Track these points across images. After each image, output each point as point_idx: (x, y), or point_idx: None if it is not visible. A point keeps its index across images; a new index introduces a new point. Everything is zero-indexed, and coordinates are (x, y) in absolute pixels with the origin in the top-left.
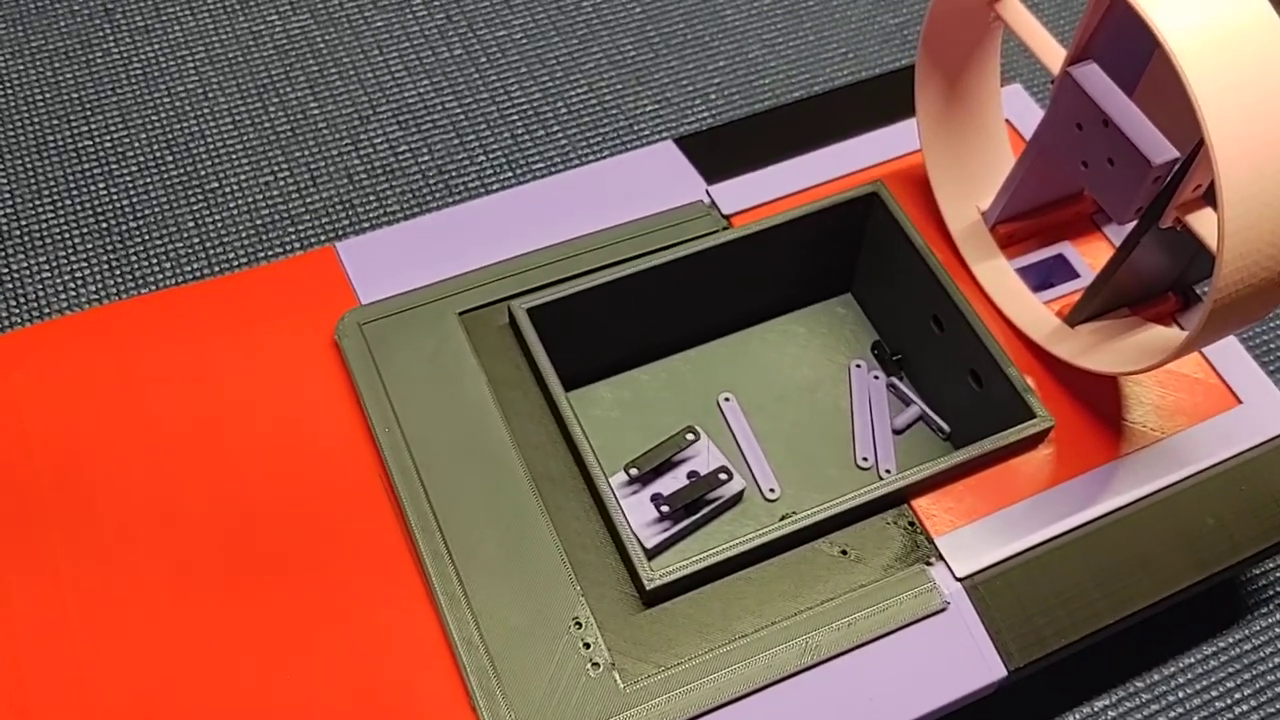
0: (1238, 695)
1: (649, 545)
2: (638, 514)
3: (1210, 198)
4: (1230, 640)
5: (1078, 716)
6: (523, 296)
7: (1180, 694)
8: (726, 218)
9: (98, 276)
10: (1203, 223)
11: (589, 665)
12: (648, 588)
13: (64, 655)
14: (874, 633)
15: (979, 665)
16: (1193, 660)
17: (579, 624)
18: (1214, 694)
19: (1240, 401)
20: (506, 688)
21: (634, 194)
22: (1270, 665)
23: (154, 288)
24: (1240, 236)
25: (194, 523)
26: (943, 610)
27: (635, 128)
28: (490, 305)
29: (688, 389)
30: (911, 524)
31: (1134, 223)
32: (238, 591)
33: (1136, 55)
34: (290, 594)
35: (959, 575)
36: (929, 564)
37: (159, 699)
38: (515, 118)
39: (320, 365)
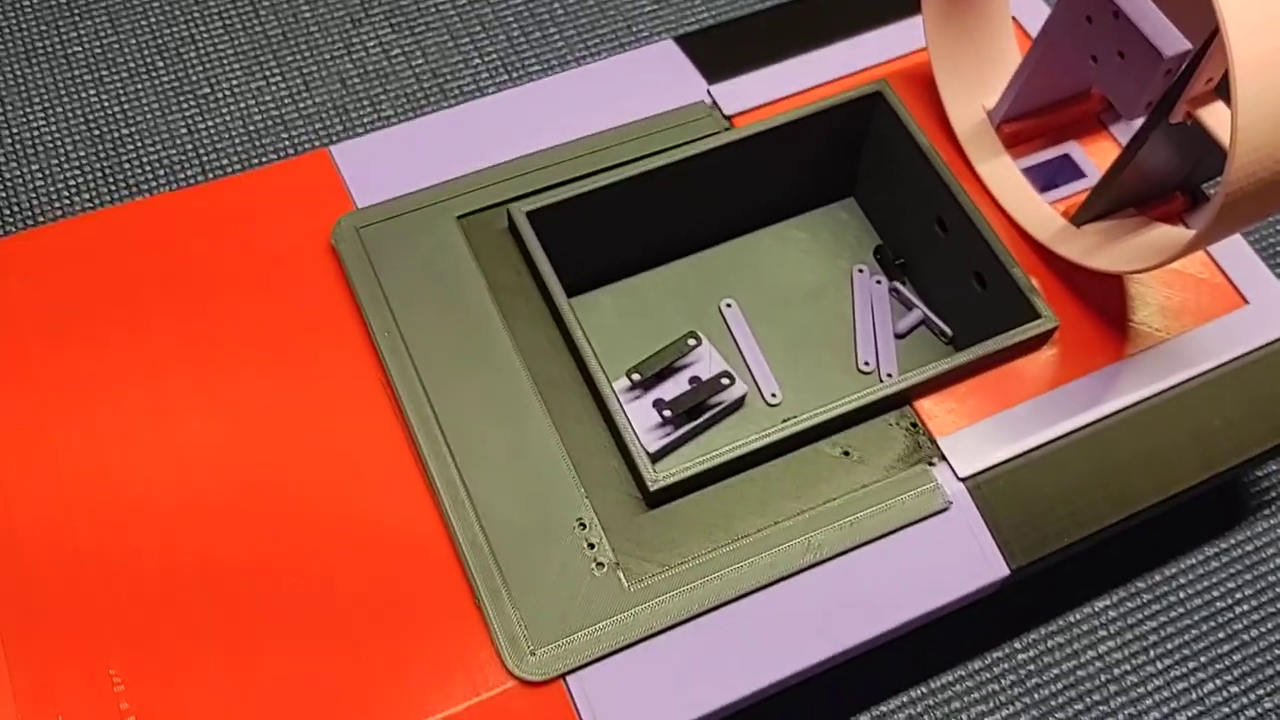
0: (1238, 595)
1: (651, 450)
2: (640, 419)
3: (1223, 91)
4: (1232, 541)
5: (1078, 615)
6: (522, 200)
7: (1181, 594)
8: (728, 118)
9: (91, 184)
10: (1215, 116)
11: (593, 565)
12: (651, 489)
13: (66, 553)
14: (876, 532)
15: (981, 564)
16: (1194, 561)
17: (583, 525)
18: (1215, 594)
19: (1246, 302)
20: (511, 588)
21: (634, 95)
22: (1271, 566)
23: (148, 195)
24: (1254, 129)
25: (192, 430)
26: (945, 510)
27: (634, 28)
28: (489, 209)
29: (689, 295)
30: (914, 425)
31: (1143, 118)
32: (240, 501)
33: None
34: (292, 501)
35: (961, 475)
36: (931, 464)
37: (169, 603)
38: (510, 19)
39: (317, 270)
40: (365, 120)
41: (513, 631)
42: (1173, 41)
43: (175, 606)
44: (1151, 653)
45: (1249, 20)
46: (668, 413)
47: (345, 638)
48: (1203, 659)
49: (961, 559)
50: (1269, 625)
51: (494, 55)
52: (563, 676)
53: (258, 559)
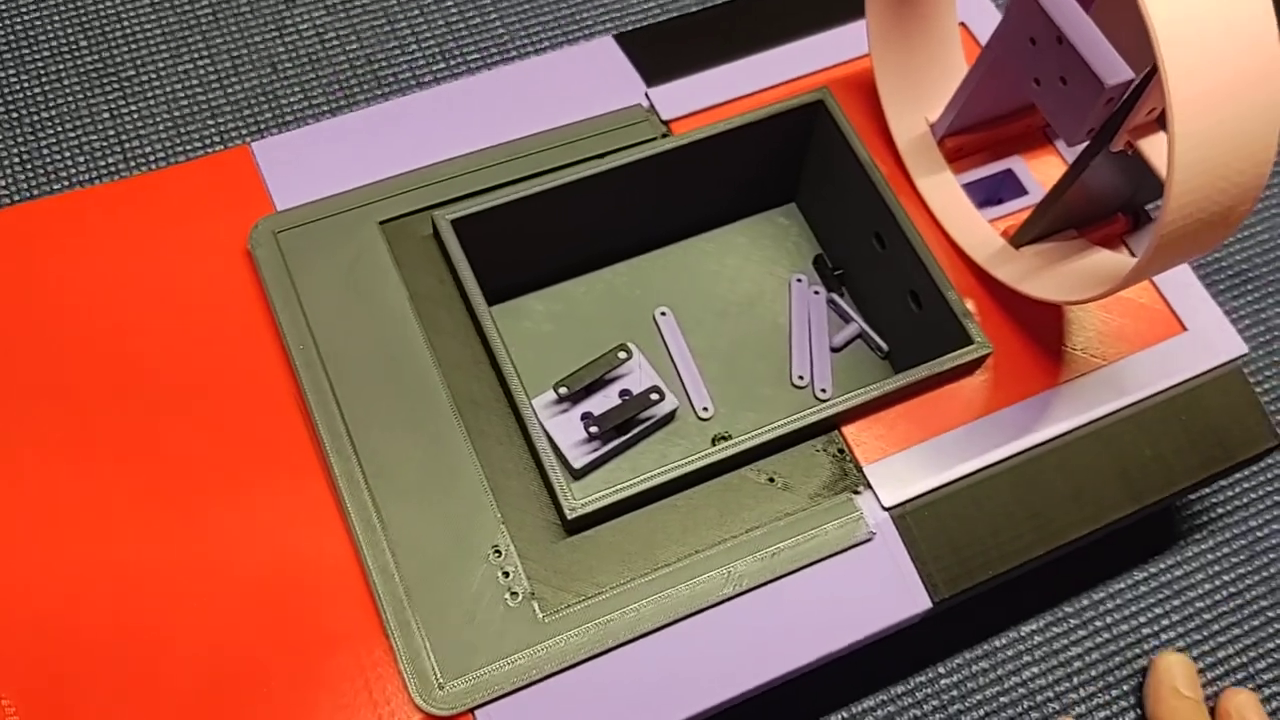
0: (1164, 622)
1: (577, 466)
2: (567, 433)
3: (1165, 122)
4: (1160, 566)
5: (1004, 640)
6: (447, 206)
7: (1108, 619)
8: (666, 124)
9: (7, 170)
10: (1155, 148)
11: (507, 594)
12: (569, 516)
13: None
14: (798, 562)
15: (903, 597)
16: (1122, 586)
17: (498, 552)
18: (1141, 620)
19: (1185, 329)
20: (422, 618)
21: (570, 95)
22: (1200, 592)
23: (67, 183)
24: (1191, 169)
25: (98, 442)
26: (868, 540)
27: (578, 17)
28: (413, 214)
29: (623, 302)
30: (841, 451)
31: (1085, 144)
32: (145, 515)
33: None
34: (199, 518)
35: (886, 505)
36: (856, 493)
37: (59, 623)
38: (450, 5)
39: (232, 276)
40: (295, 108)
41: (421, 664)
42: (1115, 70)
43: (70, 628)
44: (1075, 679)
45: (1187, 61)
46: (595, 429)
47: (247, 665)
48: (1125, 686)
49: (884, 591)
50: (1195, 653)
51: (431, 42)
52: (472, 711)
53: (155, 583)
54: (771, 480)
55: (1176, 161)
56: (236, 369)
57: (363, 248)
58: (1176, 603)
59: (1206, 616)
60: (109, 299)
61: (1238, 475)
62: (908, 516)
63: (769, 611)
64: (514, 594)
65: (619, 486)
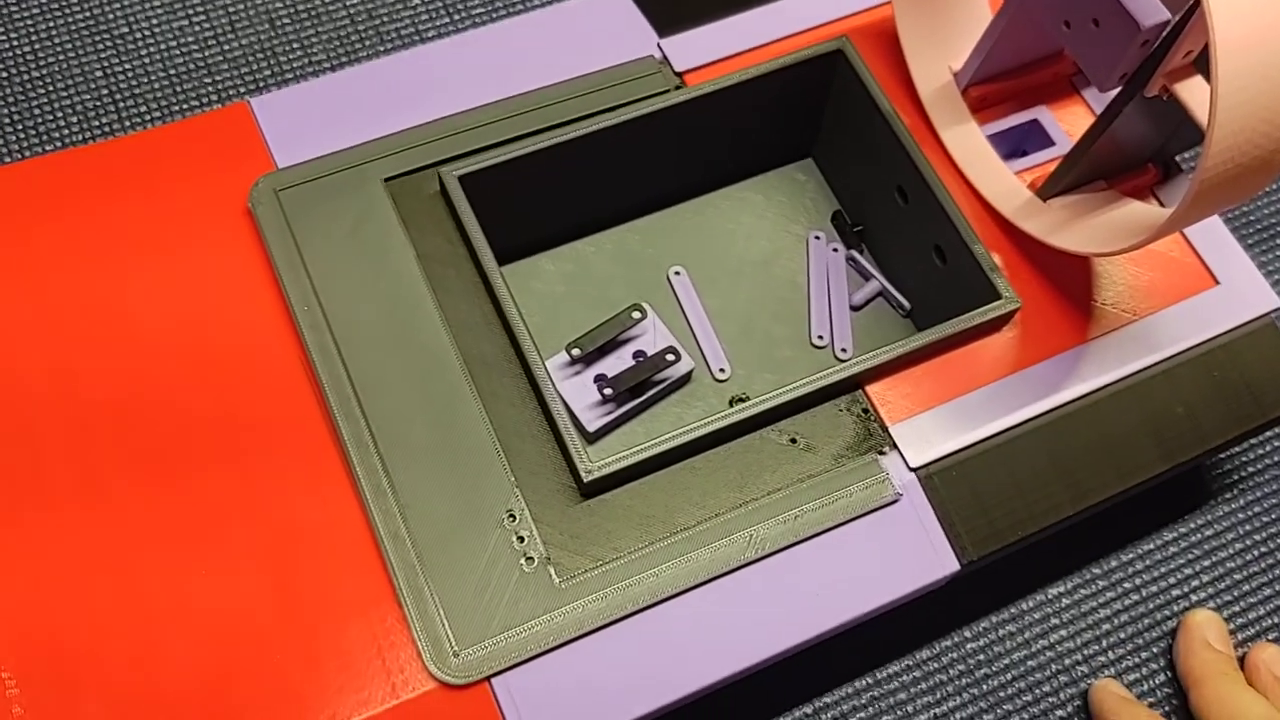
0: (1195, 582)
1: (591, 429)
2: (580, 396)
3: (1202, 65)
4: (1190, 526)
5: (1031, 603)
6: (455, 162)
7: (1137, 580)
8: (679, 75)
9: None
10: (1192, 92)
11: (523, 560)
12: (585, 479)
13: None
14: (822, 525)
15: (931, 560)
16: (1152, 547)
17: (513, 516)
18: (1171, 581)
19: (1218, 282)
20: (435, 584)
21: (579, 47)
22: (1231, 552)
23: (59, 144)
24: (1234, 111)
25: (98, 406)
26: (895, 502)
27: None
28: (419, 171)
29: (636, 262)
30: (865, 411)
31: (1117, 90)
32: (147, 482)
33: None
34: (203, 485)
35: (913, 465)
36: (882, 453)
37: (63, 596)
38: None
39: (232, 235)
40: (295, 65)
41: (435, 631)
42: (1151, 11)
43: (74, 601)
44: (1104, 642)
45: None
46: (609, 391)
47: (257, 635)
48: (1155, 649)
49: (910, 554)
50: (1226, 613)
51: None
52: (488, 679)
53: (165, 549)
54: (794, 441)
55: (1220, 104)
56: (238, 331)
57: (367, 206)
58: (1207, 563)
59: (1237, 576)
60: (105, 261)
61: (1268, 433)
62: (935, 477)
63: (792, 576)
64: (529, 559)
65: (637, 448)
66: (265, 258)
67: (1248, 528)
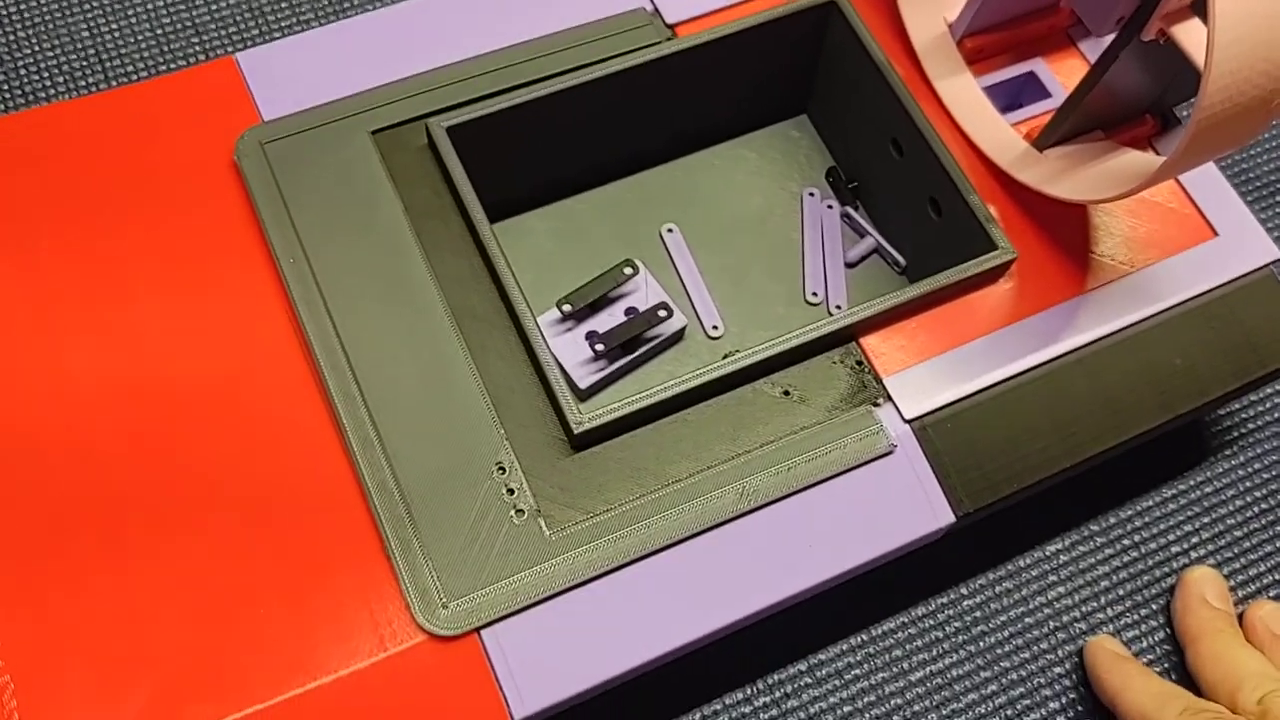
0: (1194, 540)
1: (583, 386)
2: (571, 353)
3: (1198, 7)
4: (1190, 483)
5: (1029, 560)
6: (442, 114)
7: (1136, 538)
8: (671, 27)
9: None
10: (1189, 35)
11: (513, 512)
12: (575, 431)
13: None
14: (815, 477)
15: (926, 511)
16: (1151, 503)
17: (502, 469)
18: (1170, 538)
19: (1216, 234)
20: (424, 536)
21: None
22: (1230, 509)
23: (46, 104)
24: (1231, 50)
25: (80, 363)
26: (889, 454)
27: None
28: (406, 123)
29: (628, 219)
30: (859, 363)
31: (1113, 35)
32: (132, 439)
33: None
34: (187, 441)
35: (907, 417)
36: (876, 405)
37: (46, 547)
38: None
39: (218, 188)
40: (283, 24)
41: (424, 583)
42: None
43: (57, 551)
44: (1103, 599)
45: None
46: (600, 347)
47: (244, 588)
48: (1154, 605)
49: (905, 505)
50: (1226, 570)
51: None
52: (477, 631)
53: (148, 502)
54: (787, 394)
55: (1217, 41)
56: (226, 284)
57: (354, 158)
58: (1206, 519)
59: (1238, 533)
60: (90, 213)
61: (1269, 389)
62: (930, 429)
63: (785, 527)
64: (519, 511)
65: (627, 400)
66: (251, 211)
67: (1247, 484)
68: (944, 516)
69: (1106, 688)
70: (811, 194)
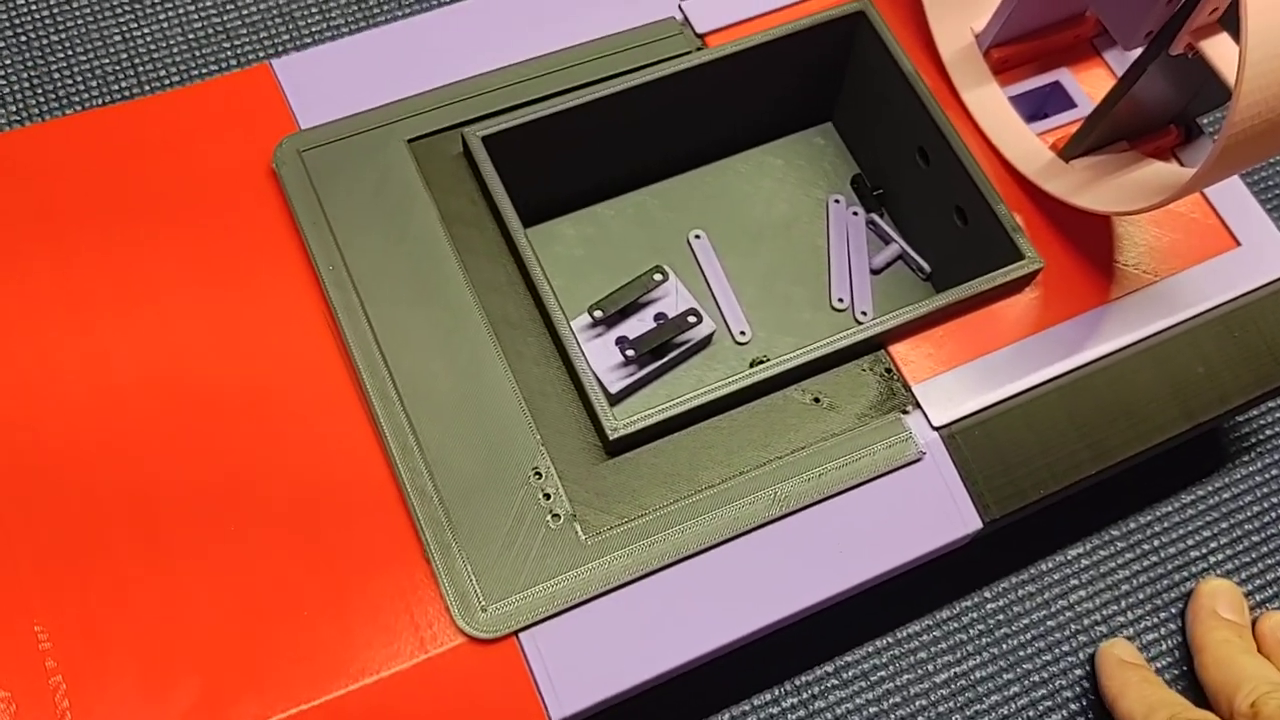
0: (1213, 545)
1: (613, 391)
2: (602, 358)
3: (1228, 22)
4: (1209, 489)
5: (1050, 564)
6: (478, 123)
7: (1156, 542)
8: (701, 37)
9: (18, 95)
10: (1218, 50)
11: (549, 517)
12: (611, 437)
13: None
14: (845, 483)
15: (954, 517)
16: (1170, 509)
17: (539, 474)
18: (1190, 543)
19: (1239, 243)
20: (462, 540)
21: (601, 9)
22: (1248, 514)
23: (79, 108)
24: (1262, 67)
25: (120, 367)
26: (918, 460)
27: None
28: (442, 132)
29: (656, 225)
30: (888, 370)
31: (1141, 49)
32: (174, 444)
33: None
34: (230, 446)
35: (936, 424)
36: (905, 412)
37: (95, 546)
38: None
39: (257, 195)
40: (314, 29)
41: (463, 586)
42: None
43: (104, 555)
44: (1123, 602)
45: None
46: (631, 352)
47: (286, 591)
48: (1173, 609)
49: (933, 511)
50: (1243, 575)
51: None
52: (515, 634)
53: (192, 507)
54: (817, 400)
55: (1249, 57)
56: (264, 290)
57: (390, 166)
58: (1225, 525)
59: (1256, 539)
60: (128, 222)
61: None
62: (957, 436)
63: (816, 533)
64: (556, 516)
65: (662, 406)
66: (290, 218)
67: (1265, 490)
68: (971, 523)
69: (1107, 693)
70: (837, 201)
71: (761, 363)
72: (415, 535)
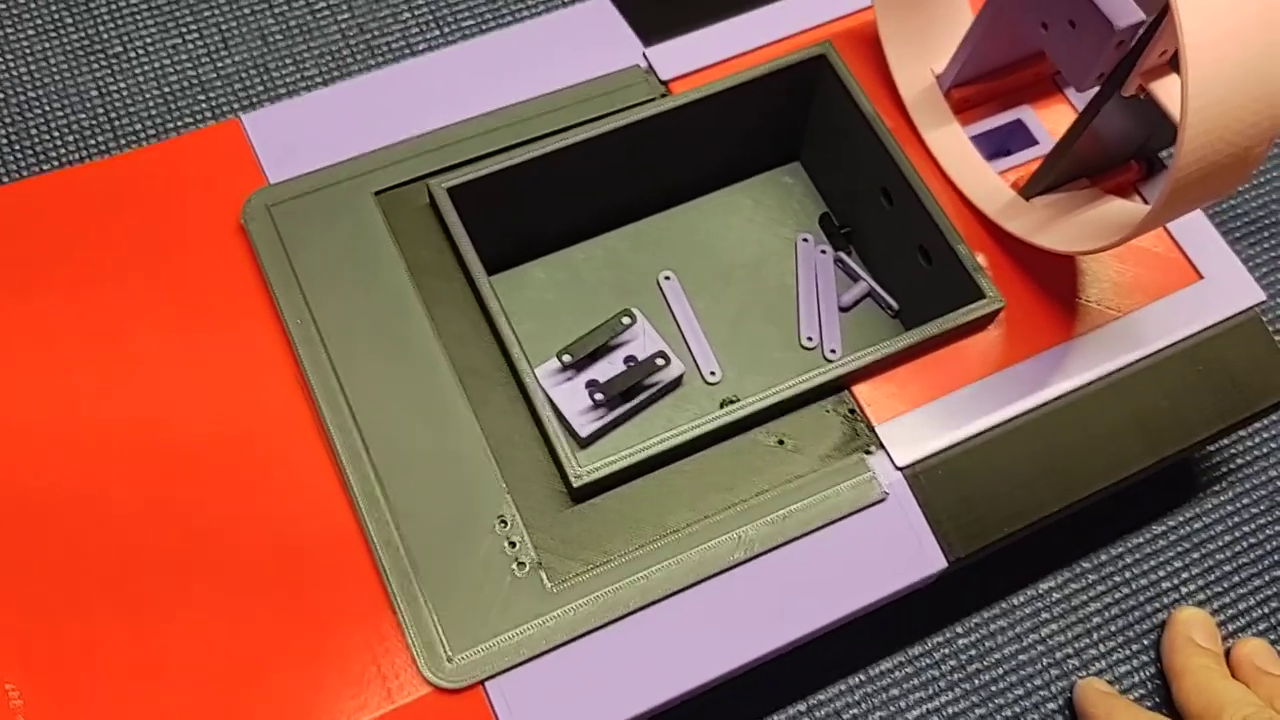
0: (1184, 575)
1: (583, 434)
2: (572, 401)
3: (1178, 64)
4: (1179, 519)
5: (1022, 598)
6: (443, 174)
7: (1127, 574)
8: (665, 83)
9: None
10: (1168, 91)
11: (514, 565)
12: (575, 484)
13: None
14: (810, 525)
15: (918, 557)
16: (1141, 540)
17: (504, 522)
18: (1160, 574)
19: (1201, 276)
20: (428, 591)
21: (566, 57)
22: (1219, 545)
23: (57, 163)
24: (1206, 113)
25: (90, 423)
26: (882, 501)
27: None
28: (408, 184)
29: (626, 267)
30: (852, 411)
31: (1095, 90)
32: (142, 497)
33: None
34: (197, 497)
35: (899, 464)
36: (869, 453)
37: (65, 604)
38: None
39: (226, 250)
40: (288, 81)
41: (429, 636)
42: (1125, 12)
43: (74, 609)
44: (1095, 635)
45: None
46: (600, 396)
47: (254, 642)
48: (1146, 641)
49: (898, 551)
50: (1215, 605)
51: (424, 9)
52: (482, 683)
53: (160, 558)
54: (781, 443)
55: (1190, 105)
56: (233, 345)
57: (358, 219)
58: (1196, 555)
59: (1227, 569)
60: (101, 278)
61: (1257, 425)
62: (921, 476)
63: (782, 575)
64: (521, 564)
65: (625, 453)
66: (259, 273)
67: (1236, 519)
68: (936, 562)
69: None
70: (805, 239)
71: (732, 402)
72: (382, 586)
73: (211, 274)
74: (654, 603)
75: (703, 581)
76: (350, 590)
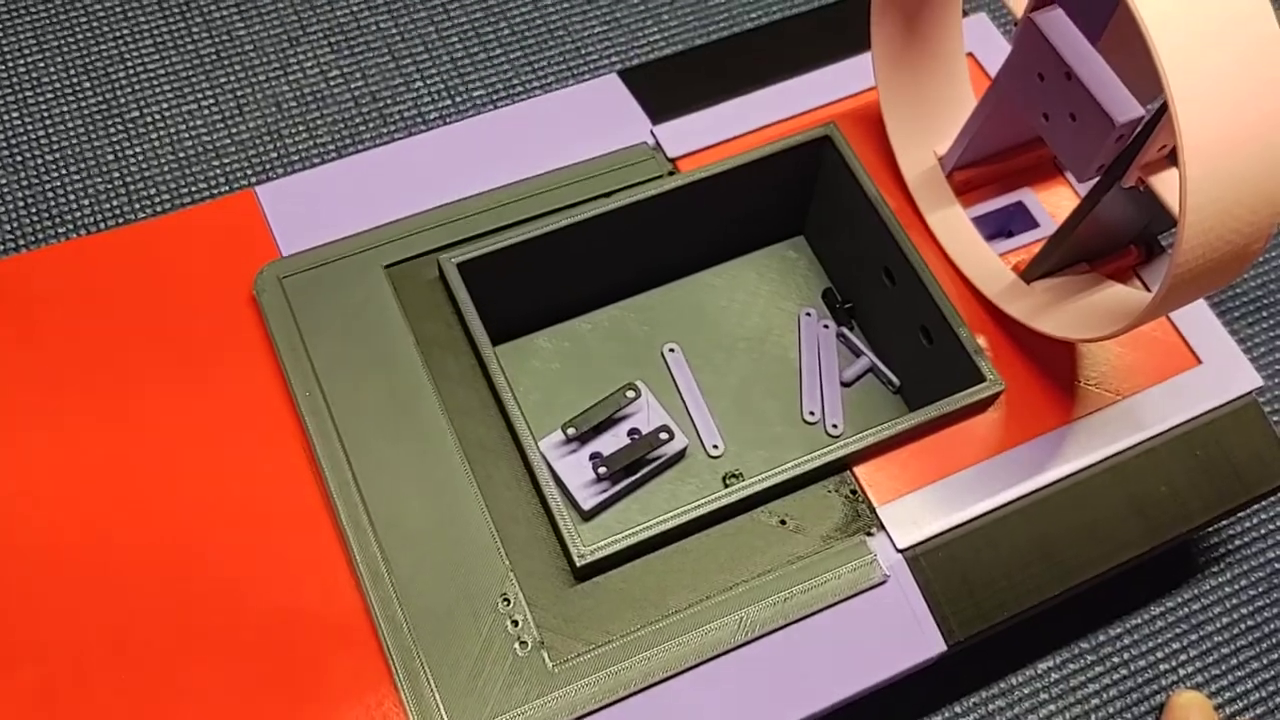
0: (1183, 657)
1: (587, 507)
2: (576, 474)
3: (1175, 158)
4: (1178, 600)
5: (1021, 678)
6: (453, 249)
7: (1125, 655)
8: (672, 161)
9: (12, 215)
10: (1167, 185)
11: (516, 644)
12: (578, 563)
13: None
14: (811, 607)
15: (918, 640)
16: (1139, 621)
17: (507, 600)
18: (1159, 655)
19: (1200, 361)
20: (430, 668)
21: (575, 134)
22: (1217, 626)
23: (71, 226)
24: (1204, 211)
25: (99, 494)
26: (883, 583)
27: (582, 51)
28: (418, 257)
29: (631, 339)
30: (854, 492)
31: (1095, 180)
32: (149, 571)
33: (1103, 1)
34: (204, 572)
35: (900, 547)
36: (870, 534)
37: (69, 666)
38: (455, 39)
39: (238, 322)
40: (300, 148)
41: (431, 715)
42: (1125, 107)
43: (78, 682)
44: (1093, 716)
45: (1199, 99)
46: (604, 469)
47: (254, 715)
48: None
49: (898, 634)
50: (1213, 687)
51: (436, 79)
52: None
53: (164, 633)
54: (783, 523)
55: (1189, 202)
56: (242, 416)
57: (368, 292)
58: (1194, 637)
59: (1225, 651)
60: (114, 346)
61: (1254, 508)
62: (922, 558)
63: (782, 658)
64: (523, 643)
65: (628, 532)
66: (269, 343)
67: (1234, 601)
68: (935, 645)
69: None
70: (809, 314)
71: (734, 476)
72: (384, 662)
73: (223, 344)
74: (655, 684)
75: (704, 663)
76: (352, 666)
